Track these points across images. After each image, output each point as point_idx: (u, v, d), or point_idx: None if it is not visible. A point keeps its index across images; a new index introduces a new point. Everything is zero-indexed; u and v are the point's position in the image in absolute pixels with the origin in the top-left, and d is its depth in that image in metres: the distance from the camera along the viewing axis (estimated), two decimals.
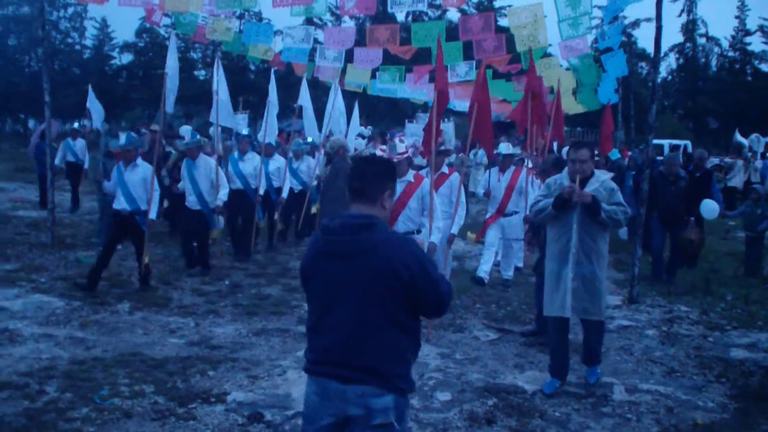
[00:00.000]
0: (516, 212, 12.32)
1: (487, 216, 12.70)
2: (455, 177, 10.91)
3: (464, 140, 21.83)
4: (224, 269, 12.66)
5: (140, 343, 8.59)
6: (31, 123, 52.08)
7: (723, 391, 7.66)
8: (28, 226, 16.04)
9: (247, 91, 44.19)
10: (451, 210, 10.37)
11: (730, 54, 58.85)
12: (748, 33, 57.35)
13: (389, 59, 17.31)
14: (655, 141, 31.50)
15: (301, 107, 15.98)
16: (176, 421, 6.35)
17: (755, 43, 57.02)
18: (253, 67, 49.70)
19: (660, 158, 30.02)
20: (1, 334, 8.59)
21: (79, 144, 18.58)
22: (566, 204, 7.06)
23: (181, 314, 9.87)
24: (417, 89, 20.42)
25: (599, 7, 23.31)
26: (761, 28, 56.01)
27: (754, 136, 25.31)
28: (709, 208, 13.30)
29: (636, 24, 53.67)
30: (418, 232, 8.86)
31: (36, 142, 18.80)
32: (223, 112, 13.21)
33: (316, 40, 22.74)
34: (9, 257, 12.72)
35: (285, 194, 14.40)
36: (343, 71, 18.67)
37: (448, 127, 21.18)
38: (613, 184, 7.25)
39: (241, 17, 41.83)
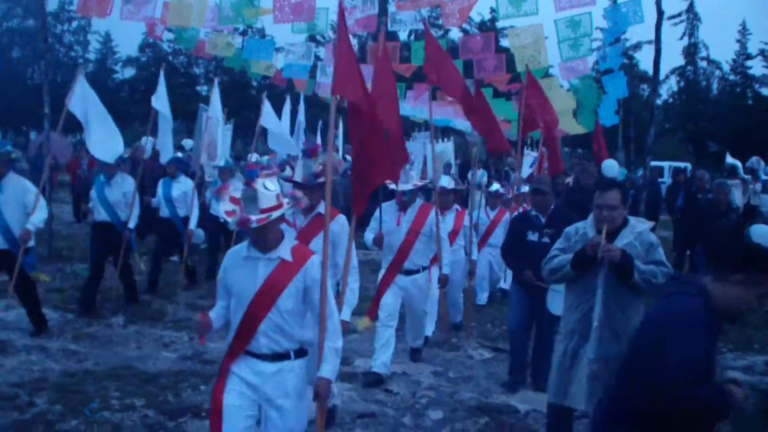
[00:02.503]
0: (423, 268, 8.54)
1: (379, 276, 8.57)
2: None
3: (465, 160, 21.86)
4: None
5: (133, 356, 8.56)
6: (32, 135, 52.22)
7: None
8: None
9: (249, 107, 44.33)
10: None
11: (731, 77, 59.14)
12: (749, 57, 57.64)
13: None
14: (656, 163, 31.71)
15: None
16: None
17: (756, 67, 57.39)
18: (255, 83, 49.91)
19: (662, 180, 30.21)
20: None
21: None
22: (589, 262, 5.41)
23: (175, 328, 9.84)
24: (417, 107, 20.42)
25: (600, 29, 23.45)
26: (762, 52, 56.30)
27: (754, 159, 25.28)
28: (764, 232, 10.64)
29: (638, 46, 53.83)
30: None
31: (35, 155, 18.81)
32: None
33: (317, 57, 22.86)
34: None
35: (192, 225, 12.08)
36: None
37: (447, 147, 21.18)
38: (653, 237, 5.59)
39: (243, 33, 41.96)
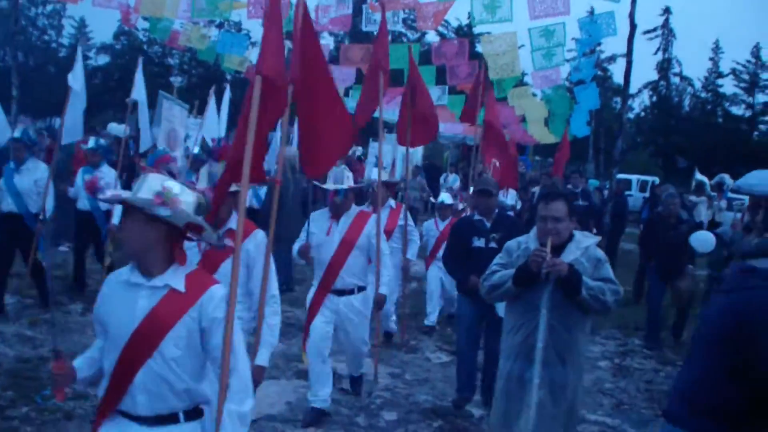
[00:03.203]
0: (360, 288, 7.19)
1: (309, 295, 7.21)
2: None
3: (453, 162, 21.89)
4: None
5: (90, 344, 8.45)
6: None
7: None
8: None
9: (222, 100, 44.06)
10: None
11: (703, 95, 59.78)
12: (720, 75, 58.36)
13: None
14: (624, 176, 32.04)
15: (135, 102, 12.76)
16: None
17: (727, 86, 58.18)
18: (228, 77, 49.71)
19: (629, 193, 30.53)
20: None
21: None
22: (533, 278, 5.00)
23: None
24: (388, 109, 20.45)
25: (575, 40, 23.64)
26: (734, 71, 56.96)
27: (722, 175, 25.55)
28: (703, 239, 10.26)
29: (612, 59, 54.18)
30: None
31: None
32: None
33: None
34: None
35: (116, 219, 10.08)
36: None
37: (416, 150, 21.21)
38: (601, 253, 5.24)
39: (220, 26, 41.74)
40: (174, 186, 3.34)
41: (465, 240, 7.29)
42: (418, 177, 20.95)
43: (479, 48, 20.25)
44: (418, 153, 21.45)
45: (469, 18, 47.53)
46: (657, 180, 34.58)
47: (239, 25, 48.25)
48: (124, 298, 3.40)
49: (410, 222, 9.68)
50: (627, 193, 26.69)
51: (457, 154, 29.82)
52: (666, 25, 59.87)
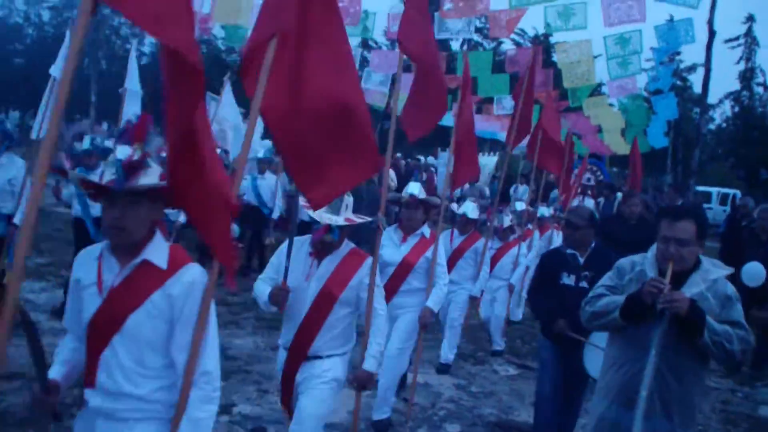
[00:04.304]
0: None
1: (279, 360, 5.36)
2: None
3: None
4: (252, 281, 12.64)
5: None
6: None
7: None
8: (66, 222, 16.21)
9: None
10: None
11: None
12: None
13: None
14: (704, 188, 31.29)
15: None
16: None
17: None
18: None
19: (708, 206, 29.73)
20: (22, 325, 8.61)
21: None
22: (645, 312, 4.10)
23: None
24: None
25: (652, 49, 23.24)
26: None
27: None
28: (754, 272, 8.86)
29: (693, 68, 53.10)
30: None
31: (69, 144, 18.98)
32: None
33: (366, 62, 22.85)
34: (42, 252, 12.90)
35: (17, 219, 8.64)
36: (391, 96, 18.73)
37: (490, 160, 21.04)
38: (732, 289, 4.21)
39: None
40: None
41: (552, 275, 6.26)
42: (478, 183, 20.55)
43: (555, 58, 20.11)
44: (491, 165, 21.26)
45: (545, 27, 47.36)
46: (738, 193, 33.70)
47: None
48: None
49: (441, 260, 7.17)
50: (706, 206, 26.09)
51: (529, 164, 29.52)
52: (749, 33, 58.41)
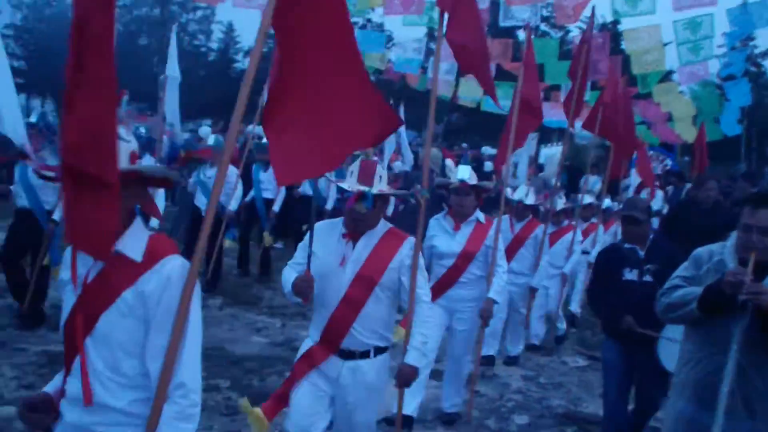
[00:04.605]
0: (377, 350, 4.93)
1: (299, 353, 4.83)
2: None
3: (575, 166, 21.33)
4: None
5: (224, 338, 8.68)
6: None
7: None
8: None
9: None
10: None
11: None
12: None
13: (502, 75, 17.06)
14: None
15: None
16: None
17: None
18: (373, 78, 50.26)
19: None
20: None
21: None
22: (726, 304, 3.82)
23: (269, 314, 9.96)
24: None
25: (725, 33, 22.75)
26: None
27: None
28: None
29: (767, 54, 51.78)
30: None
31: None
32: None
33: (431, 52, 22.79)
34: None
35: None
36: (457, 85, 18.62)
37: (557, 150, 20.71)
38: None
39: (363, 27, 42.22)
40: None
41: (614, 272, 5.89)
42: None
43: (624, 45, 19.79)
44: (558, 154, 20.98)
45: (612, 14, 46.73)
46: None
47: (382, 26, 48.72)
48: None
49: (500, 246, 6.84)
50: None
51: (600, 154, 29.04)
52: None
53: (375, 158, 4.68)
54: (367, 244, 4.46)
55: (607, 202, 11.64)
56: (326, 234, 4.51)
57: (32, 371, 6.97)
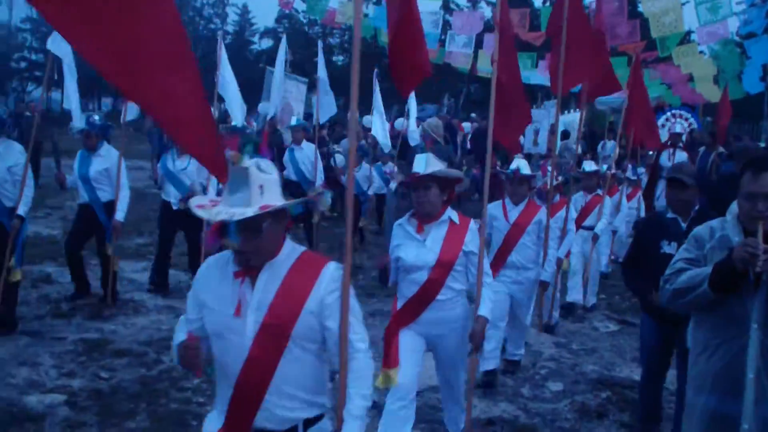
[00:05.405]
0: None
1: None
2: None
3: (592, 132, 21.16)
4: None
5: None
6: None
7: None
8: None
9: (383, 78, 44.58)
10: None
11: None
12: None
13: (520, 45, 16.95)
14: None
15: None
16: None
17: None
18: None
19: None
20: (127, 304, 8.97)
21: None
22: (739, 280, 3.46)
23: None
24: (548, 75, 20.07)
25: None
26: None
27: None
28: None
29: None
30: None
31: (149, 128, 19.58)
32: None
33: (448, 25, 22.69)
34: (142, 232, 13.30)
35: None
36: (476, 57, 18.52)
37: (575, 117, 20.60)
38: None
39: (378, 3, 42.08)
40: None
41: (651, 244, 5.45)
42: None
43: (641, 8, 19.61)
44: (576, 121, 20.87)
45: None
46: None
47: None
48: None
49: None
50: None
51: (617, 119, 28.77)
52: None
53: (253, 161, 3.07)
54: (270, 280, 3.14)
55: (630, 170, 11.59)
56: (214, 274, 3.27)
57: (71, 359, 7.07)
